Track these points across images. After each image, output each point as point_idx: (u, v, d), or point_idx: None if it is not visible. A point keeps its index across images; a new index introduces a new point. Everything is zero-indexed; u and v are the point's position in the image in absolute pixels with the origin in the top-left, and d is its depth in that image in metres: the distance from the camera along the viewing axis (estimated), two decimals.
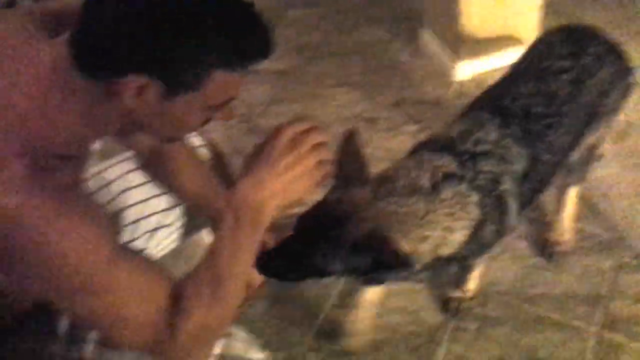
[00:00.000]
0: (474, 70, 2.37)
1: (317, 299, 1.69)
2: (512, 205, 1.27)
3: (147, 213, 1.28)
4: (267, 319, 1.65)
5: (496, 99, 1.37)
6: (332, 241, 1.09)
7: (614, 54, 1.45)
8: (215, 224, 1.32)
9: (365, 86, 2.43)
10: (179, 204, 1.34)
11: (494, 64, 2.38)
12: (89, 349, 1.04)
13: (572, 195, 1.67)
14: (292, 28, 2.83)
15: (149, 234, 1.29)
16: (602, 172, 1.88)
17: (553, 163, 1.36)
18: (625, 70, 1.47)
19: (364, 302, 1.53)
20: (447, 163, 1.23)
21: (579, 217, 1.78)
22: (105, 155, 1.33)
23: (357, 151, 1.18)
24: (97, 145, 1.09)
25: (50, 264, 0.81)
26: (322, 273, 1.13)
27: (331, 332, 1.60)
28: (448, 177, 1.20)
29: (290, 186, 0.88)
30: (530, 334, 1.55)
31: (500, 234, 1.28)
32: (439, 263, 1.22)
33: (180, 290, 0.91)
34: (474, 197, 1.20)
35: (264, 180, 0.87)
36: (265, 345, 1.30)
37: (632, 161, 1.93)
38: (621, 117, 2.07)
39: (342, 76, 2.50)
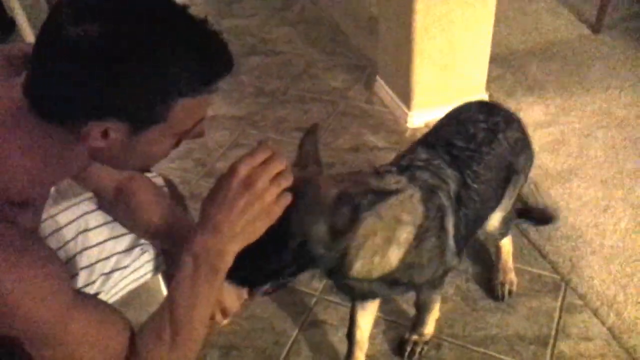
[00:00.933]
0: (426, 119, 2.47)
1: (273, 347, 1.68)
2: (450, 225, 1.33)
3: (103, 256, 1.27)
4: None
5: (422, 139, 1.54)
6: (310, 204, 1.09)
7: (519, 127, 1.60)
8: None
9: (324, 132, 2.49)
10: (139, 245, 1.33)
11: (446, 112, 2.48)
12: None
13: (505, 243, 1.76)
14: (252, 74, 2.89)
15: (104, 276, 1.27)
16: None
17: (482, 197, 1.44)
18: (527, 143, 1.62)
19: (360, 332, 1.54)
20: (387, 167, 1.34)
21: (527, 261, 1.86)
22: (61, 197, 1.33)
23: (315, 143, 1.27)
24: (53, 188, 1.08)
25: (2, 315, 0.78)
26: (303, 246, 1.10)
27: None
28: (388, 171, 1.31)
29: (249, 228, 0.86)
30: None
31: (440, 254, 1.32)
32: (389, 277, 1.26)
33: (138, 338, 0.90)
34: (416, 194, 1.26)
35: (221, 226, 0.84)
36: None
37: (575, 205, 2.02)
38: (564, 160, 2.19)
39: (301, 121, 2.56)
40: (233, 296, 1.68)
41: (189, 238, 0.88)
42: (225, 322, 1.71)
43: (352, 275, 1.24)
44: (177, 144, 0.91)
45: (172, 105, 0.80)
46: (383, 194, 1.16)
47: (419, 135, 2.40)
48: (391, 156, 2.31)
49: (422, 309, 1.58)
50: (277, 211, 0.87)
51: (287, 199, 0.88)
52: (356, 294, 1.42)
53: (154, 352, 0.89)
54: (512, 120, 1.58)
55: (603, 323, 1.67)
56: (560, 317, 1.70)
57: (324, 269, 1.23)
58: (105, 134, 0.80)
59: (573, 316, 1.70)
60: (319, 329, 1.72)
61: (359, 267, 1.22)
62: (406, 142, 2.40)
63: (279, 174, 0.86)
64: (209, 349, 1.68)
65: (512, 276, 1.77)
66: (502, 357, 1.62)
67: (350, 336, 1.55)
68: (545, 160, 2.22)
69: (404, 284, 1.36)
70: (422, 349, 1.61)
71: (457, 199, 1.37)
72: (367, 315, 1.53)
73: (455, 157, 1.41)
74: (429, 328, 1.61)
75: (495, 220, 1.62)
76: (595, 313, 1.69)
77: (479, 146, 1.46)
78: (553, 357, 1.61)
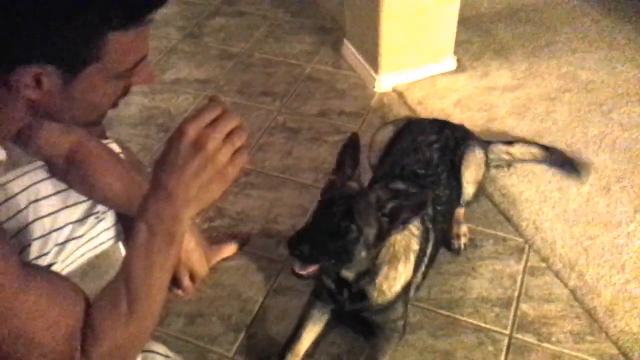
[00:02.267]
0: (394, 83, 2.44)
1: (238, 314, 1.67)
2: (430, 247, 1.60)
3: (56, 226, 1.22)
4: (186, 337, 1.62)
5: (391, 169, 1.72)
6: (368, 209, 1.32)
7: (462, 127, 1.92)
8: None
9: (289, 96, 2.45)
10: (94, 213, 1.29)
11: (413, 76, 2.46)
12: None
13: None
14: (216, 37, 2.81)
15: (58, 246, 1.23)
16: (511, 180, 1.98)
17: (443, 213, 1.68)
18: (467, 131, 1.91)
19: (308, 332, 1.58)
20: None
21: (491, 224, 1.87)
22: (10, 167, 1.27)
23: (356, 153, 1.41)
24: (1, 157, 1.03)
25: None
26: (356, 241, 1.31)
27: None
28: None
29: (203, 191, 0.81)
30: (447, 338, 1.60)
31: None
32: None
33: (94, 310, 0.86)
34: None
35: (174, 192, 0.80)
36: None
37: (539, 169, 2.02)
38: (530, 124, 2.20)
39: (266, 86, 2.51)
40: (201, 260, 1.66)
41: (142, 205, 0.83)
42: (193, 289, 1.70)
43: (375, 289, 1.45)
44: (124, 91, 0.87)
45: (104, 42, 0.75)
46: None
47: (386, 101, 2.40)
48: (358, 122, 2.30)
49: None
50: (233, 172, 0.81)
51: (243, 158, 0.82)
52: (346, 313, 1.55)
53: (111, 323, 0.86)
54: (456, 126, 1.89)
55: (565, 285, 1.70)
56: (523, 280, 1.72)
57: (351, 273, 1.42)
58: (38, 83, 0.75)
59: (536, 278, 1.72)
60: (285, 296, 1.71)
61: (382, 278, 1.45)
62: (374, 107, 2.37)
63: (231, 132, 0.80)
64: (174, 316, 1.65)
65: (464, 229, 1.82)
66: (466, 319, 1.64)
67: (289, 344, 1.54)
68: (512, 124, 2.22)
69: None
70: None
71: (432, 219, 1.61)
72: (314, 331, 1.58)
73: (423, 186, 1.64)
74: None
75: (469, 190, 1.81)
76: (557, 275, 1.72)
77: (436, 168, 1.71)
78: (516, 318, 1.63)
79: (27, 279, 0.81)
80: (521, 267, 1.76)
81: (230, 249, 1.79)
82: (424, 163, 1.71)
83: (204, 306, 1.69)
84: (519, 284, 1.71)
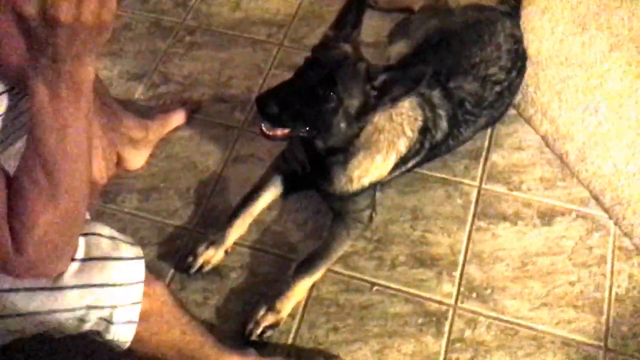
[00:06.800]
0: None
1: (197, 186, 1.58)
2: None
3: None
4: (143, 213, 1.53)
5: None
6: (357, 79, 1.19)
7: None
8: None
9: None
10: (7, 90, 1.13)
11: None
12: None
13: None
14: None
15: None
16: None
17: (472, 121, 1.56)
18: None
19: None
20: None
21: None
22: None
23: (361, 12, 1.25)
24: None
25: None
26: (337, 107, 1.19)
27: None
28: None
29: (90, 44, 0.69)
30: (415, 194, 1.55)
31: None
32: None
33: (13, 193, 0.75)
34: (420, 120, 1.41)
35: (59, 61, 0.69)
36: (140, 241, 1.19)
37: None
38: None
39: None
40: (101, 168, 1.52)
41: (32, 69, 0.69)
42: (141, 163, 1.59)
43: (344, 174, 1.35)
44: None
45: None
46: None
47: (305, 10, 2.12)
48: (282, 32, 2.02)
49: (323, 247, 1.42)
50: (107, 20, 0.68)
51: (109, 6, 0.68)
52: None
53: (36, 203, 0.75)
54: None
55: (536, 131, 1.63)
56: (493, 129, 1.64)
57: (325, 144, 1.28)
58: None
59: (506, 127, 1.65)
60: (245, 164, 1.62)
61: (356, 163, 1.33)
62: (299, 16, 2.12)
63: None
64: (126, 193, 1.56)
65: None
66: (433, 174, 1.58)
67: (242, 205, 1.47)
68: None
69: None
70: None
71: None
72: (272, 193, 1.51)
73: (455, 117, 1.47)
74: (287, 307, 1.37)
75: None
76: (529, 122, 1.65)
77: (482, 110, 1.51)
78: (485, 169, 1.58)
79: None
80: None
81: (179, 117, 1.65)
82: (477, 99, 1.50)
83: (158, 180, 1.59)
84: (488, 134, 1.64)
